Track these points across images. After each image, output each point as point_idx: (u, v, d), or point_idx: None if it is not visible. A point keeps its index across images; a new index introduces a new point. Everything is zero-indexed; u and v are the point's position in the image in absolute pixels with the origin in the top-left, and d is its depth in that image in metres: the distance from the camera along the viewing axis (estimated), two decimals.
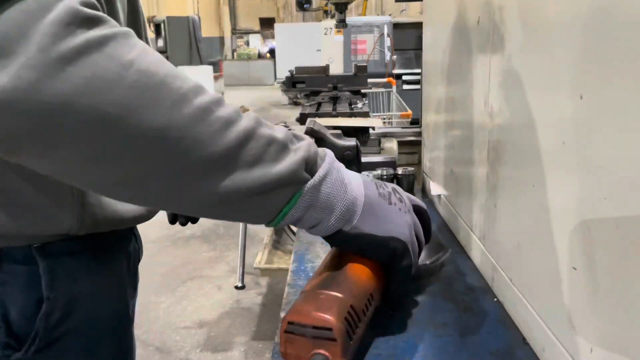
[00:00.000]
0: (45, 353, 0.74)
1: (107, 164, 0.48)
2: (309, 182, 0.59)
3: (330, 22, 6.32)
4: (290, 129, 0.61)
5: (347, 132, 1.74)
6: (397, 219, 0.70)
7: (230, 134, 0.51)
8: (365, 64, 2.91)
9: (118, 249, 0.85)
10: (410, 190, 1.59)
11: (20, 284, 0.72)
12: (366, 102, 2.63)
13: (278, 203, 0.58)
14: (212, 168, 0.51)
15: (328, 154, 0.64)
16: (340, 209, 0.63)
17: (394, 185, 0.75)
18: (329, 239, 0.68)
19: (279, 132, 0.58)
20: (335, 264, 0.72)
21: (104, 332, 0.81)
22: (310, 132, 1.60)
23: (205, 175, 0.51)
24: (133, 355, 0.92)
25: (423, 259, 0.88)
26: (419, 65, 2.62)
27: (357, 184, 0.67)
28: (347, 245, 0.70)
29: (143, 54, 0.48)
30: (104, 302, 0.80)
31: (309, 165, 0.60)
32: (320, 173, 0.61)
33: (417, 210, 0.78)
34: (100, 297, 0.79)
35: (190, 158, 0.49)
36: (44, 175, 0.52)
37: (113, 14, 0.70)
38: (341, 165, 0.66)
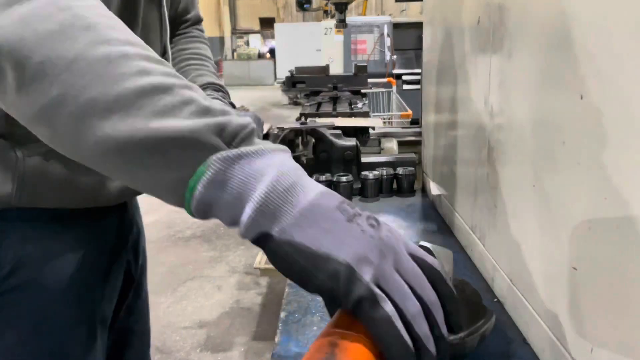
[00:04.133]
0: None
1: (27, 93, 0.50)
2: (221, 153, 0.49)
3: (330, 22, 6.32)
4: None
5: (347, 132, 1.73)
6: (348, 236, 0.49)
7: (141, 81, 0.49)
8: (365, 64, 2.91)
9: (80, 227, 0.88)
10: (410, 190, 1.59)
11: None
12: (366, 102, 2.63)
13: (181, 170, 0.49)
14: (110, 108, 0.48)
15: (281, 148, 0.53)
16: (259, 196, 0.48)
17: (376, 217, 0.53)
18: (260, 246, 0.51)
19: (209, 101, 0.52)
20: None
21: (53, 300, 0.85)
22: (310, 132, 1.60)
23: (103, 114, 0.48)
24: (88, 337, 0.91)
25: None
26: (419, 65, 2.62)
27: (310, 188, 0.51)
28: (277, 260, 0.50)
29: (88, 6, 0.52)
30: (53, 270, 0.84)
31: (228, 135, 0.50)
32: (246, 148, 0.49)
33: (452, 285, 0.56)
34: (47, 264, 0.84)
35: (90, 93, 0.48)
36: None
37: None
38: (298, 170, 0.52)
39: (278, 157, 0.51)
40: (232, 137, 0.50)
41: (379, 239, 0.50)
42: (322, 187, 0.52)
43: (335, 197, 0.52)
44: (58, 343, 0.86)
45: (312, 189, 0.51)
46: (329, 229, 0.49)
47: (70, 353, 0.88)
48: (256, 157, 0.49)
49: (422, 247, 0.68)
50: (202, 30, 1.31)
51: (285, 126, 1.61)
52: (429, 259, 0.53)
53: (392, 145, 1.90)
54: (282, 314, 0.90)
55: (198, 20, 1.31)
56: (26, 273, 0.81)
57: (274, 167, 0.49)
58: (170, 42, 1.06)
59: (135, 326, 1.15)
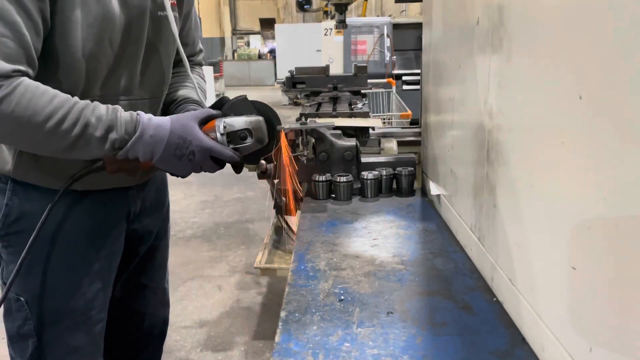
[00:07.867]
0: (4, 239, 1.15)
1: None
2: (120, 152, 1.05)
3: (330, 23, 6.33)
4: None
5: (347, 132, 1.74)
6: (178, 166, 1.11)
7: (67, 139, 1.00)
8: (365, 65, 2.91)
9: (73, 201, 1.16)
10: (409, 190, 1.60)
11: None
12: (366, 102, 2.63)
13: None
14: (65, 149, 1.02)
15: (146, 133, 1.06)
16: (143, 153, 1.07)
17: (195, 149, 1.09)
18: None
19: (103, 131, 1.02)
20: None
21: (47, 244, 1.14)
22: (311, 132, 1.60)
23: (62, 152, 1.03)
24: (76, 278, 1.17)
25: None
26: (419, 66, 2.63)
27: (156, 147, 1.07)
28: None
29: (19, 107, 0.94)
30: (49, 224, 1.12)
31: (119, 142, 1.04)
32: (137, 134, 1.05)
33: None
34: (44, 218, 1.11)
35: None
36: None
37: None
38: (155, 137, 1.07)
39: (141, 141, 1.06)
40: (122, 141, 1.05)
41: (190, 154, 1.10)
42: (161, 146, 1.08)
43: (171, 148, 1.08)
44: (48, 278, 1.14)
45: (157, 147, 1.07)
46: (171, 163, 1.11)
47: (58, 288, 1.16)
48: (139, 141, 1.06)
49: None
50: (200, 64, 1.49)
51: (286, 126, 1.61)
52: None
53: (392, 145, 1.90)
54: (283, 314, 0.90)
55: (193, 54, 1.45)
56: (27, 222, 1.11)
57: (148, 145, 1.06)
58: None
59: (149, 283, 1.43)
